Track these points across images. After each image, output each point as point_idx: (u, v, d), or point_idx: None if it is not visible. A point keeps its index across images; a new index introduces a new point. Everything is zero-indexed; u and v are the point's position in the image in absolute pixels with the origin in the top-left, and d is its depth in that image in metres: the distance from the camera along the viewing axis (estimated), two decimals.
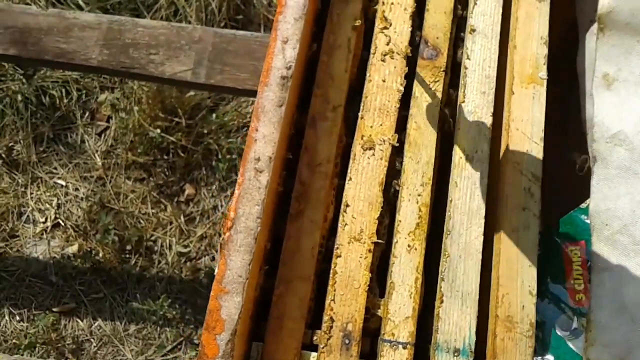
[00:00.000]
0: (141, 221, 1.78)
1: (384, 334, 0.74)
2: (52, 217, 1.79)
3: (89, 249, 1.74)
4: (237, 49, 1.38)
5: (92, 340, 1.68)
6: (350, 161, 0.82)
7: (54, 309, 1.69)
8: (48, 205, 1.80)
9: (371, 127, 0.83)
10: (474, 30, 0.89)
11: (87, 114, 1.89)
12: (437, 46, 0.87)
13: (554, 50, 0.95)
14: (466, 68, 0.87)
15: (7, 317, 1.69)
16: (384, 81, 0.85)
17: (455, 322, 0.75)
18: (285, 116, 0.76)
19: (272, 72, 0.76)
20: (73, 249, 1.75)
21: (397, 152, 0.84)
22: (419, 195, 0.81)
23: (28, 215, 1.79)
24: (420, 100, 0.85)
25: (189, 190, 1.83)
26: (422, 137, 0.83)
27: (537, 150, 0.83)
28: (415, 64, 0.87)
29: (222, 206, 1.81)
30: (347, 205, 0.79)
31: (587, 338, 0.79)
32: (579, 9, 1.09)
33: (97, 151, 1.85)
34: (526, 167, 0.82)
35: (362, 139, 0.82)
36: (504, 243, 0.78)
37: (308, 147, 0.82)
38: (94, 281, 1.73)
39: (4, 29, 1.39)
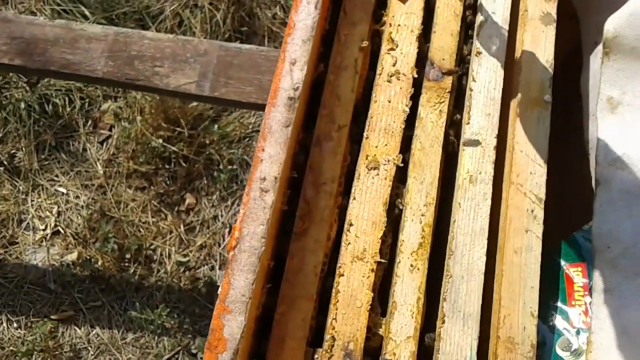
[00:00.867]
0: (141, 230, 1.79)
1: (385, 353, 0.75)
2: (52, 224, 1.79)
3: (88, 257, 1.74)
4: (242, 62, 1.39)
5: (89, 348, 1.68)
6: (355, 181, 0.82)
7: (52, 317, 1.69)
8: (48, 213, 1.80)
9: (376, 147, 0.83)
10: (479, 53, 0.90)
11: (89, 122, 1.90)
12: (443, 67, 0.88)
13: (557, 69, 0.96)
14: (471, 90, 0.88)
15: (4, 324, 1.69)
16: (389, 102, 0.85)
17: (457, 343, 0.75)
18: (291, 136, 0.77)
19: (280, 93, 0.77)
20: (72, 256, 1.75)
21: (401, 173, 0.85)
22: (422, 215, 0.81)
23: (28, 223, 1.79)
24: (425, 121, 0.86)
25: (189, 199, 1.84)
26: (427, 157, 0.84)
27: (540, 172, 0.83)
28: (421, 85, 0.88)
29: (222, 216, 1.81)
30: (351, 225, 0.80)
31: (587, 359, 0.79)
32: (583, 31, 1.10)
33: (98, 159, 1.85)
34: (530, 189, 0.82)
35: (366, 158, 0.83)
36: (506, 264, 0.79)
37: (313, 167, 0.82)
38: (92, 289, 1.73)
39: (11, 39, 1.39)
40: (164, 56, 1.39)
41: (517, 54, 0.91)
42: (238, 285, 0.67)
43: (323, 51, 0.88)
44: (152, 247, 1.78)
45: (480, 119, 0.86)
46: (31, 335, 1.66)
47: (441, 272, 0.80)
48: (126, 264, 1.76)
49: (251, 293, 0.67)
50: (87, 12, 1.92)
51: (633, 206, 0.85)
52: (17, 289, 1.72)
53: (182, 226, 1.80)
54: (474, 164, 0.84)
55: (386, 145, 0.83)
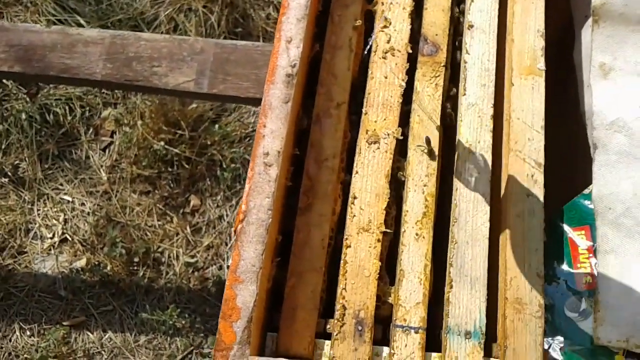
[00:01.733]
0: (148, 233, 1.80)
1: (395, 319, 0.76)
2: (60, 232, 1.81)
3: (97, 263, 1.75)
4: (238, 58, 1.41)
5: (103, 352, 1.69)
6: (356, 155, 0.84)
7: (64, 323, 1.70)
8: (55, 221, 1.82)
9: (375, 121, 0.85)
10: (471, 26, 0.92)
11: (90, 130, 1.92)
12: (437, 42, 0.90)
13: (552, 47, 0.97)
14: (466, 62, 0.90)
15: (17, 333, 1.70)
16: (385, 77, 0.87)
17: (466, 306, 0.76)
18: (291, 113, 0.78)
19: (278, 71, 0.78)
20: (81, 263, 1.77)
21: (401, 146, 0.86)
22: (424, 185, 0.83)
23: (35, 232, 1.81)
24: (422, 94, 0.87)
25: (194, 201, 1.85)
26: (425, 130, 0.85)
27: (538, 138, 0.85)
28: (416, 60, 0.90)
29: (227, 216, 1.83)
30: (355, 198, 0.81)
31: (595, 318, 0.81)
32: (573, 6, 1.12)
33: (102, 166, 1.87)
34: (528, 155, 0.84)
35: (366, 133, 0.84)
36: (510, 228, 0.80)
37: (314, 144, 0.84)
38: (103, 294, 1.74)
39: (9, 47, 1.41)
40: (161, 56, 1.41)
41: (509, 25, 0.93)
42: (248, 256, 0.69)
43: (317, 32, 0.89)
44: (160, 249, 1.79)
45: (476, 89, 0.88)
46: (44, 342, 1.67)
47: (446, 241, 0.82)
48: (135, 268, 1.77)
49: (261, 263, 0.68)
50: (82, 21, 1.94)
51: (631, 167, 0.87)
52: (28, 298, 1.73)
53: (188, 228, 1.81)
54: (473, 134, 0.85)
55: (385, 119, 0.85)
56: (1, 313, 1.72)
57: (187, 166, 1.84)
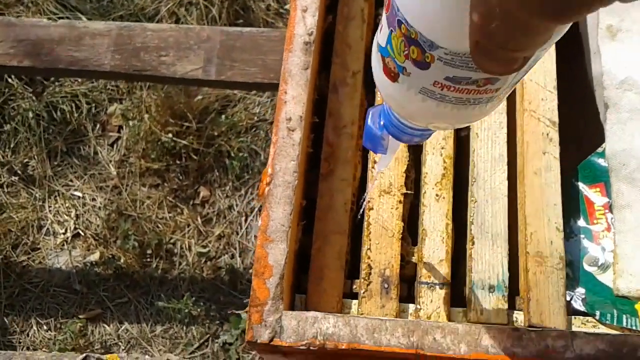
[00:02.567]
0: (159, 225, 1.82)
1: (420, 277, 0.78)
2: (72, 227, 1.82)
3: (110, 256, 1.77)
4: (245, 44, 1.43)
5: (120, 343, 1.71)
6: None
7: (80, 316, 1.72)
8: (67, 217, 1.83)
9: None
10: None
11: (97, 126, 1.93)
12: None
13: None
14: None
15: (34, 327, 1.71)
16: None
17: (488, 261, 0.78)
18: (310, 80, 0.80)
19: (295, 39, 0.80)
20: (95, 257, 1.78)
21: None
22: (442, 148, 0.84)
23: (48, 228, 1.82)
24: None
25: (203, 192, 1.87)
26: None
27: (551, 97, 0.87)
28: None
29: (237, 205, 1.84)
30: (375, 162, 0.83)
31: (614, 270, 0.82)
32: None
33: (110, 161, 1.89)
34: (543, 114, 0.85)
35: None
36: (528, 185, 0.82)
37: (332, 112, 0.85)
38: (117, 286, 1.75)
39: (17, 42, 1.43)
40: (168, 45, 1.43)
41: None
42: (277, 217, 0.70)
43: (330, 3, 0.91)
44: (172, 241, 1.81)
45: None
46: (62, 336, 1.69)
47: (464, 202, 0.83)
48: (148, 260, 1.78)
49: (290, 223, 0.70)
50: (84, 19, 1.95)
51: None
52: (43, 293, 1.75)
53: (199, 218, 1.83)
54: None
55: None
56: (18, 309, 1.73)
57: (195, 157, 1.86)
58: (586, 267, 0.84)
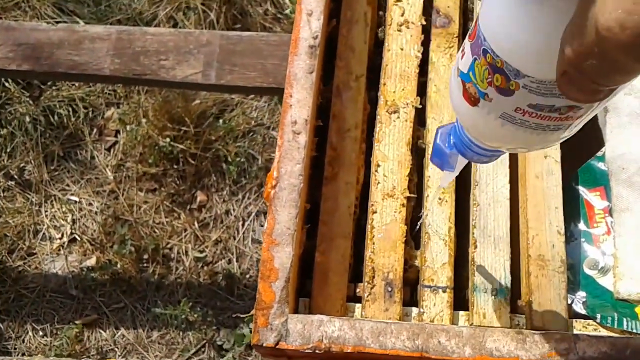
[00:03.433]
0: (156, 230, 1.81)
1: (423, 280, 0.78)
2: (68, 232, 1.82)
3: (106, 261, 1.77)
4: (244, 49, 1.43)
5: (116, 349, 1.70)
6: (377, 125, 0.86)
7: (77, 322, 1.71)
8: (63, 222, 1.83)
9: (394, 92, 0.87)
10: None
11: (95, 130, 1.93)
12: (449, 14, 0.92)
13: None
14: None
15: (30, 333, 1.70)
16: (402, 49, 0.89)
17: (490, 265, 0.78)
18: (314, 84, 0.80)
19: (300, 43, 0.80)
20: (91, 262, 1.78)
21: (419, 116, 0.88)
22: None
23: (44, 233, 1.82)
24: (438, 65, 0.90)
25: (200, 197, 1.87)
26: (443, 99, 0.88)
27: None
28: (430, 33, 0.92)
29: (234, 210, 1.84)
30: (378, 166, 0.83)
31: (614, 273, 0.83)
32: None
33: (107, 166, 1.88)
34: None
35: (386, 103, 0.86)
36: (529, 189, 0.82)
37: (336, 115, 0.86)
38: (114, 292, 1.75)
39: (17, 46, 1.43)
40: (168, 49, 1.43)
41: None
42: (282, 220, 0.71)
43: (333, 7, 0.92)
44: (169, 246, 1.80)
45: None
46: (57, 342, 1.68)
47: (466, 206, 0.84)
48: (145, 265, 1.78)
49: (295, 226, 0.70)
50: (82, 23, 1.95)
51: None
52: (39, 298, 1.74)
53: (196, 223, 1.83)
54: None
55: (403, 89, 0.87)
56: (13, 314, 1.73)
57: (192, 162, 1.86)
58: (586, 271, 0.85)
